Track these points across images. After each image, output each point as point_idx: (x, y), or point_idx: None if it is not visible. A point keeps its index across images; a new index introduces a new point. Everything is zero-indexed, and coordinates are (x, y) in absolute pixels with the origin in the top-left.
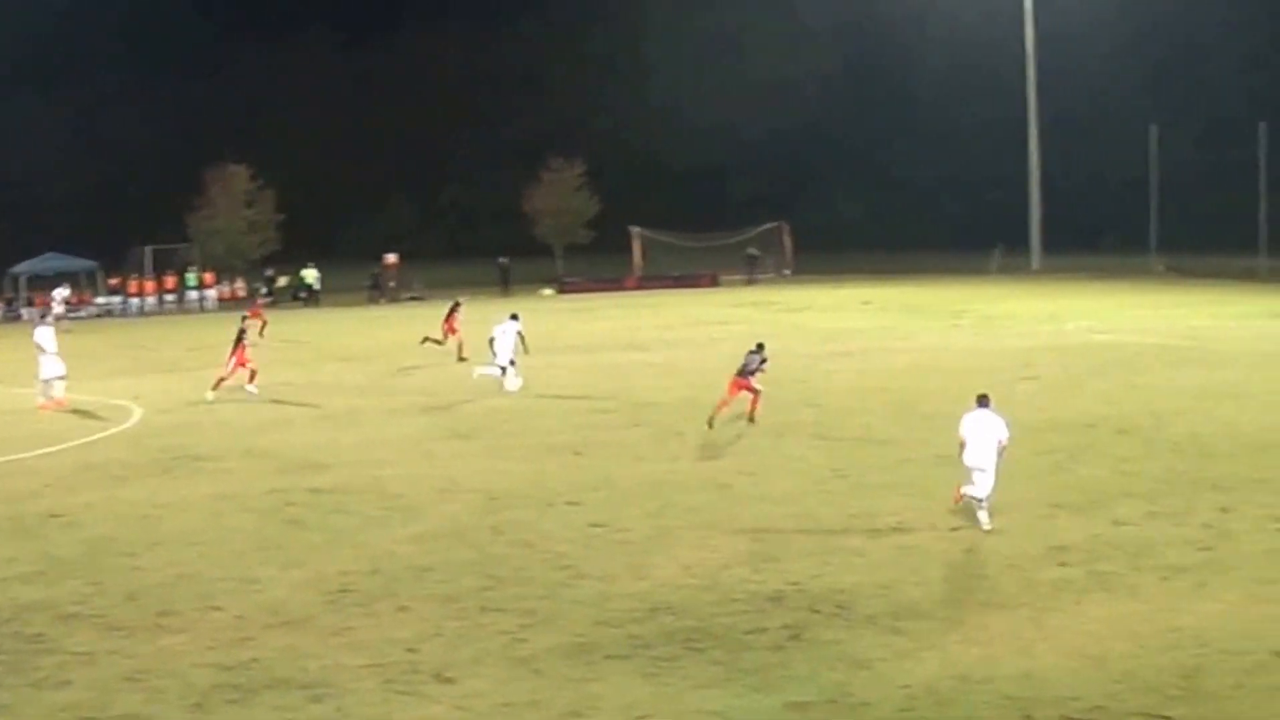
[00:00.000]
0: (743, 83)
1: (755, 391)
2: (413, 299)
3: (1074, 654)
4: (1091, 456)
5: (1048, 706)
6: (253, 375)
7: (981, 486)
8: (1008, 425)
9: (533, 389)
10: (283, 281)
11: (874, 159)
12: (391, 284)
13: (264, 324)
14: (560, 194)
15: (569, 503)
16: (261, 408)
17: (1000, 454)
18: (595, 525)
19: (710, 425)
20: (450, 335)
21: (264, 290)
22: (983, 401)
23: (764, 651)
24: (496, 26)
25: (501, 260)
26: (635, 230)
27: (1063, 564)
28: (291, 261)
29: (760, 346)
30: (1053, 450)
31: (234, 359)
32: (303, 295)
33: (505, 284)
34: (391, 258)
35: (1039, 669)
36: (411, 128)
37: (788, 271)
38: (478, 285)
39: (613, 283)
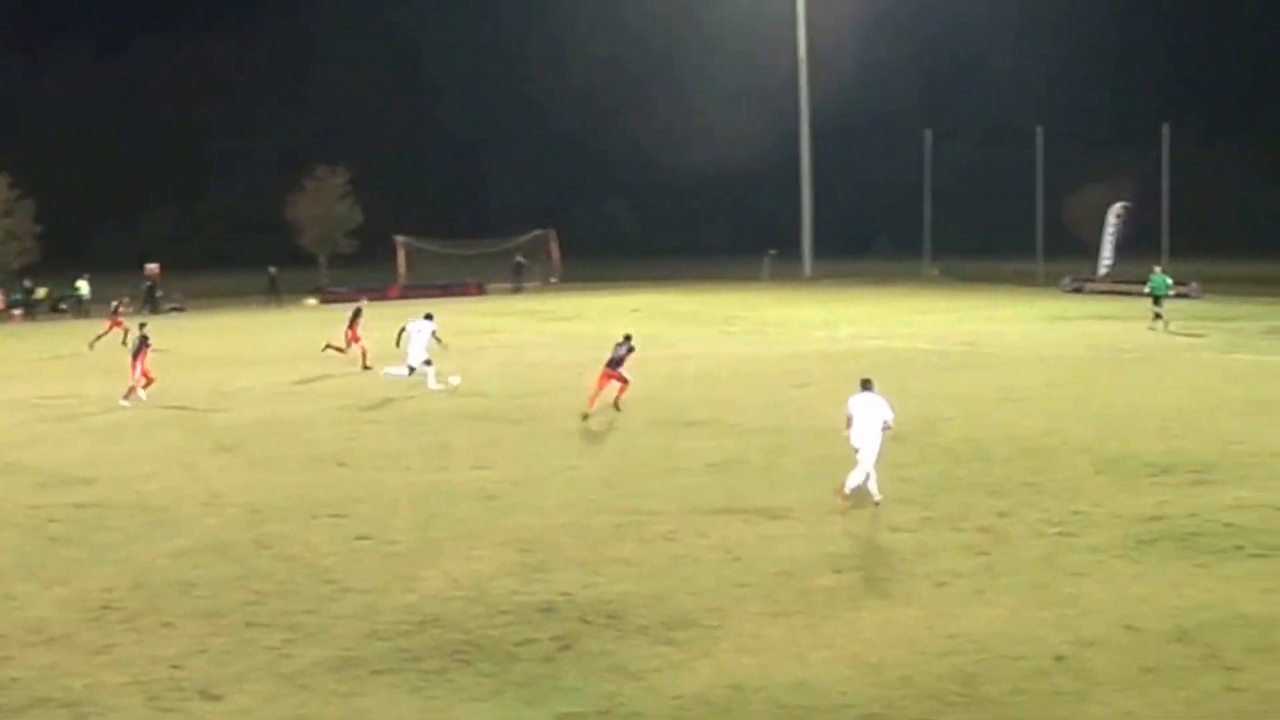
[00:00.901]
0: (510, 87)
1: (624, 380)
2: (174, 309)
3: (850, 661)
4: None
5: (823, 715)
6: (148, 383)
7: (861, 469)
8: (891, 407)
9: (297, 400)
10: (41, 293)
11: (644, 165)
12: (159, 294)
13: (125, 332)
14: (324, 202)
15: (334, 515)
16: (22, 422)
17: (884, 433)
18: (361, 537)
19: (585, 418)
20: (354, 343)
21: (120, 299)
22: (866, 385)
23: (534, 663)
24: (256, 32)
25: (271, 270)
26: (400, 239)
27: (837, 571)
28: (50, 272)
29: (628, 338)
30: (826, 457)
31: (136, 367)
32: (63, 307)
33: (275, 294)
34: (153, 267)
35: (814, 677)
36: (170, 135)
37: (555, 279)
38: (244, 296)
39: (377, 292)
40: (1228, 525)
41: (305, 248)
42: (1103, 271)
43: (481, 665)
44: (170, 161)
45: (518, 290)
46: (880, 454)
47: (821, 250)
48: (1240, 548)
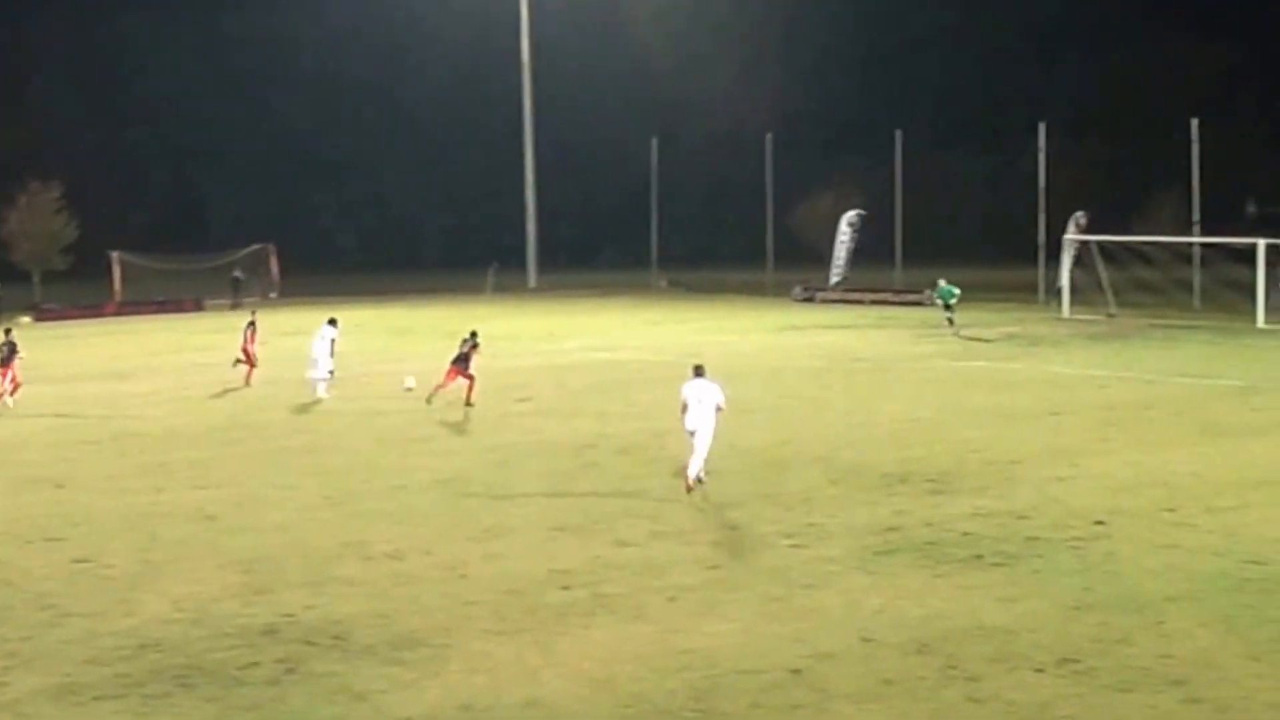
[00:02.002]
0: (227, 99)
1: (470, 378)
2: None
3: (581, 679)
4: (593, 476)
5: None
6: (15, 389)
7: (699, 454)
8: (723, 390)
9: (10, 420)
10: None
11: (363, 178)
12: None
13: None
14: (37, 217)
15: (50, 539)
16: None
17: (717, 415)
18: (79, 561)
19: (429, 402)
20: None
21: None
22: (699, 371)
23: (259, 686)
24: None
25: None
26: (115, 255)
27: (566, 587)
28: None
29: (473, 334)
30: (552, 472)
31: (6, 374)
32: None
33: None
34: None
35: (545, 695)
36: None
37: (274, 295)
38: None
39: (93, 309)
40: (966, 534)
41: (18, 264)
42: (835, 280)
43: (205, 689)
44: None
45: (236, 306)
46: (715, 436)
47: (547, 262)
48: (979, 557)
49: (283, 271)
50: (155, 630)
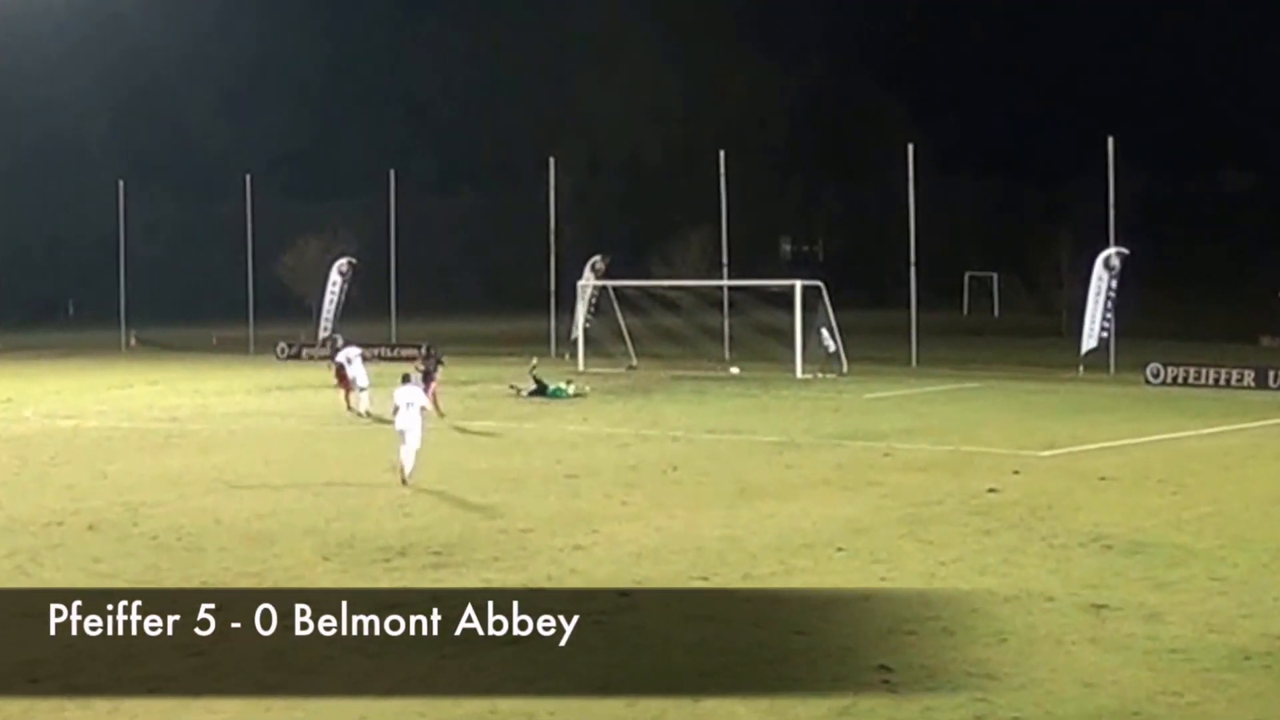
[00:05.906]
0: None
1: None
2: None
3: None
4: (59, 557)
5: None
6: None
7: (410, 447)
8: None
9: None
10: None
11: None
12: None
13: None
14: None
15: None
16: None
17: (422, 415)
18: None
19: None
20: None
21: None
22: (406, 379)
23: None
24: None
25: None
26: None
27: (34, 680)
28: None
29: (428, 348)
30: (13, 552)
31: None
32: None
33: None
34: None
35: None
36: None
37: None
38: None
39: None
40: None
41: None
42: (324, 334)
43: None
44: None
45: None
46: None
47: (3, 320)
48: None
49: None
50: None
